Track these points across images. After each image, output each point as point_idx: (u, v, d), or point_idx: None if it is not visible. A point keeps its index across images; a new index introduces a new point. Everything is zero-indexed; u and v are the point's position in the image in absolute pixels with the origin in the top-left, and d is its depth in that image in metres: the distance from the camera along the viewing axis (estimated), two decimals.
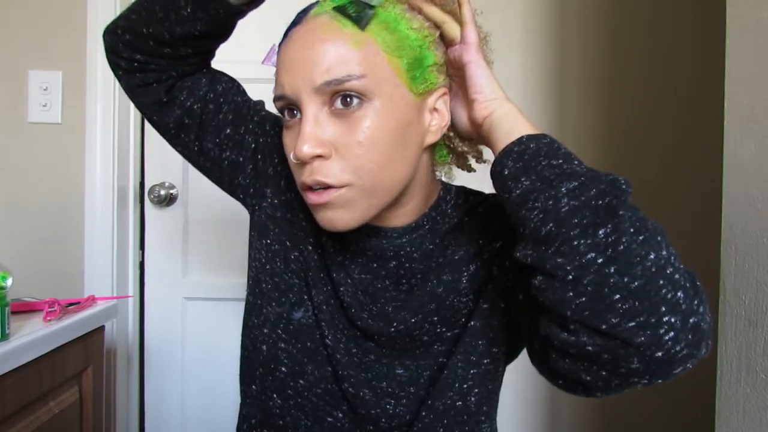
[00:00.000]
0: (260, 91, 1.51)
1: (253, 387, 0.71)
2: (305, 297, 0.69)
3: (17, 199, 1.45)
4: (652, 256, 0.45)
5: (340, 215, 0.58)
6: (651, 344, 0.44)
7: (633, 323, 0.44)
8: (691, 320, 0.45)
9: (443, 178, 0.72)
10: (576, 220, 0.47)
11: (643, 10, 1.47)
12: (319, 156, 0.55)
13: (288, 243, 0.70)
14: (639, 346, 0.44)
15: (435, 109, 0.62)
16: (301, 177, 0.58)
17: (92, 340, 1.13)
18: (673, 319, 0.44)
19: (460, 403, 0.65)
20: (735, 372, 0.80)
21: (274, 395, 0.69)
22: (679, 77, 1.45)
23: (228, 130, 0.71)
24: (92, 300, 1.14)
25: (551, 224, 0.48)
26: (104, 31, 0.68)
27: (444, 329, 0.66)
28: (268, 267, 0.70)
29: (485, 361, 0.65)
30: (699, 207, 1.38)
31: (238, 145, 0.71)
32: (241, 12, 0.65)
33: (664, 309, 0.44)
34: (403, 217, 0.65)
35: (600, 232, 0.46)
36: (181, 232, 1.57)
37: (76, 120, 1.45)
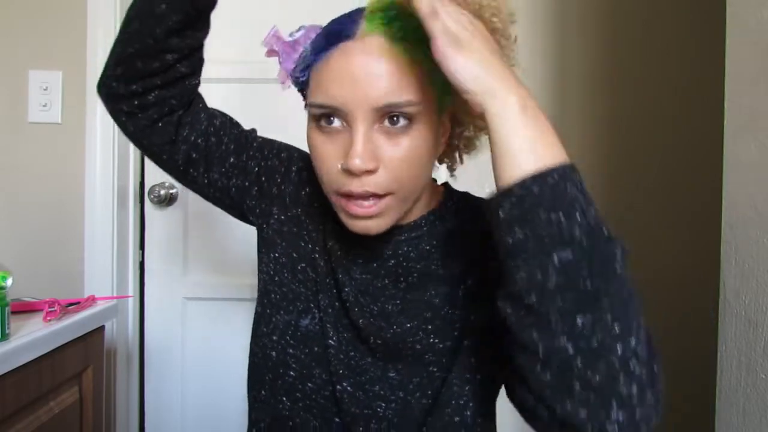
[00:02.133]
0: (261, 90, 1.52)
1: (263, 392, 0.73)
2: (311, 305, 0.71)
3: (17, 199, 1.45)
4: (619, 353, 0.46)
5: (378, 223, 0.62)
6: None
7: (585, 413, 0.47)
8: (637, 416, 0.47)
9: (449, 180, 0.75)
10: (559, 303, 0.47)
11: (643, 10, 1.47)
12: (368, 170, 0.59)
13: (295, 255, 0.73)
14: None
15: (442, 123, 0.66)
16: (347, 186, 0.59)
17: (92, 340, 1.13)
18: (621, 417, 0.46)
19: (458, 418, 0.66)
20: (735, 372, 0.80)
21: (284, 398, 0.71)
22: (679, 77, 1.45)
23: (232, 159, 0.75)
24: (92, 300, 1.14)
25: (534, 297, 0.48)
26: (97, 86, 0.73)
27: (436, 340, 0.67)
28: (276, 278, 0.74)
29: (478, 377, 0.66)
30: (699, 207, 1.38)
31: (243, 171, 0.76)
32: None
33: (615, 405, 0.46)
34: (407, 216, 0.68)
35: (579, 322, 0.46)
36: (181, 232, 1.57)
37: (76, 120, 1.45)
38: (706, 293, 1.09)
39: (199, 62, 0.75)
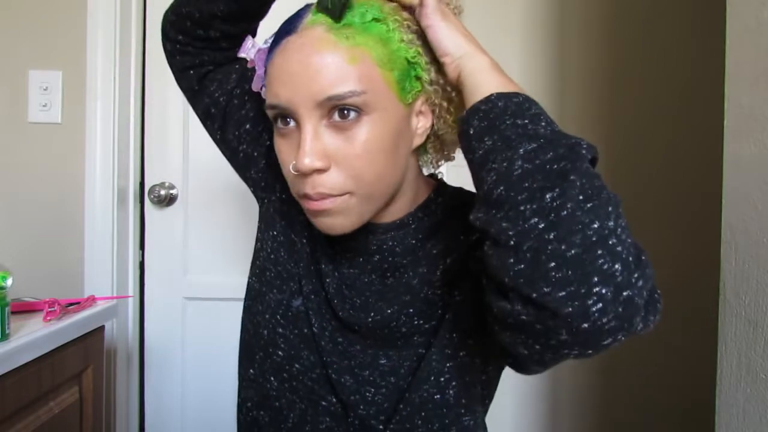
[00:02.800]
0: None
1: (251, 370, 0.73)
2: (303, 284, 0.71)
3: (17, 199, 1.45)
4: (595, 225, 0.44)
5: (340, 221, 0.60)
6: (578, 315, 0.43)
7: (563, 293, 0.43)
8: (624, 293, 0.43)
9: (443, 176, 0.73)
10: (526, 184, 0.46)
11: (643, 10, 1.47)
12: (318, 169, 0.57)
13: (292, 235, 0.73)
14: (566, 317, 0.43)
15: (420, 112, 0.63)
16: (302, 188, 0.59)
17: (92, 340, 1.13)
18: (603, 290, 0.43)
19: (438, 396, 0.65)
20: (735, 372, 0.80)
21: (271, 378, 0.71)
22: (679, 77, 1.45)
23: (248, 125, 0.76)
24: (92, 300, 1.14)
25: (502, 187, 0.47)
26: (163, 16, 0.76)
27: (421, 321, 0.66)
28: (272, 257, 0.73)
29: (461, 353, 0.65)
30: (699, 207, 1.38)
31: (255, 140, 0.76)
32: None
33: (596, 279, 0.43)
34: (390, 214, 0.67)
35: (547, 197, 0.45)
36: (181, 232, 1.57)
37: (76, 120, 1.45)
38: (706, 293, 1.09)
39: (239, 42, 0.73)
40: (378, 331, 0.67)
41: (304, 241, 0.72)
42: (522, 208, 0.46)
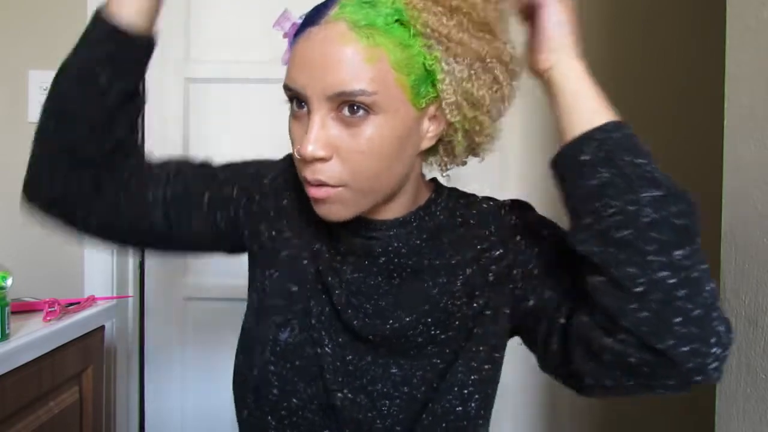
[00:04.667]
0: (262, 90, 1.52)
1: (245, 411, 0.71)
2: (289, 317, 0.69)
3: (17, 199, 1.44)
4: (708, 288, 0.50)
5: (337, 210, 0.61)
6: (696, 369, 0.50)
7: (687, 348, 0.49)
8: (726, 352, 0.50)
9: (441, 177, 0.72)
10: (655, 235, 0.50)
11: (643, 10, 1.47)
12: (321, 158, 0.58)
13: (284, 269, 0.71)
14: (686, 370, 0.50)
15: (433, 116, 0.63)
16: (303, 172, 0.60)
17: (92, 340, 1.13)
18: (718, 351, 0.49)
19: (460, 408, 0.66)
20: (735, 372, 0.80)
21: (269, 417, 0.69)
22: (679, 77, 1.45)
23: (207, 195, 0.71)
24: (92, 300, 1.14)
25: (629, 231, 0.50)
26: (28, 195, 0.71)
27: (438, 332, 0.67)
28: (267, 292, 0.72)
29: (486, 366, 0.67)
30: (699, 207, 1.38)
31: (222, 201, 0.72)
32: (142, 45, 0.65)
33: (713, 340, 0.49)
34: (391, 211, 0.67)
35: (677, 254, 0.49)
36: None
37: None
38: None
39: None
40: (394, 340, 0.67)
41: (305, 262, 0.70)
42: (650, 258, 0.49)
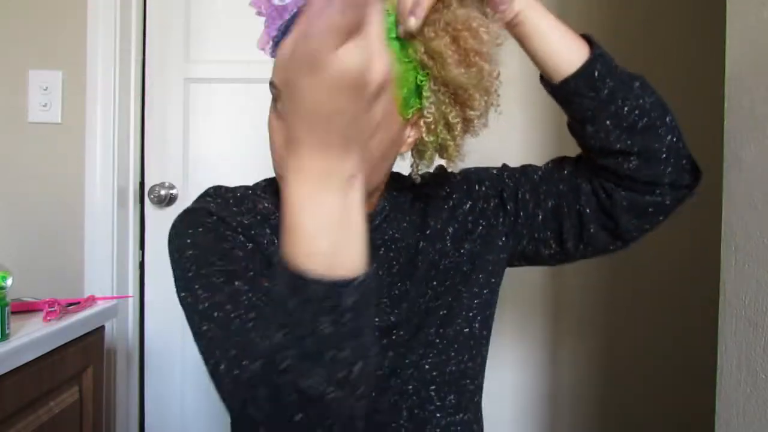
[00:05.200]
0: (262, 90, 1.52)
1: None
2: None
3: (17, 199, 1.45)
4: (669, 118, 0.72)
5: None
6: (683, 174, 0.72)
7: (659, 145, 0.70)
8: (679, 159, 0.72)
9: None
10: (656, 113, 0.69)
11: (643, 10, 1.47)
12: None
13: None
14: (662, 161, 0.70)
15: (414, 124, 0.66)
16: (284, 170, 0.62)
17: (92, 340, 1.13)
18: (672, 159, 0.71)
19: (467, 329, 0.75)
20: (735, 372, 0.80)
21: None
22: (679, 77, 1.45)
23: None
24: (92, 300, 1.14)
25: (646, 118, 0.68)
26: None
27: (442, 289, 0.75)
28: None
29: (485, 291, 0.77)
30: (699, 207, 1.38)
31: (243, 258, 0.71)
32: None
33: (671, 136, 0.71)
34: (369, 205, 0.73)
35: (667, 119, 0.69)
36: None
37: (76, 120, 1.45)
38: (706, 293, 1.09)
39: None
40: (412, 317, 0.72)
41: None
42: (660, 132, 0.69)
